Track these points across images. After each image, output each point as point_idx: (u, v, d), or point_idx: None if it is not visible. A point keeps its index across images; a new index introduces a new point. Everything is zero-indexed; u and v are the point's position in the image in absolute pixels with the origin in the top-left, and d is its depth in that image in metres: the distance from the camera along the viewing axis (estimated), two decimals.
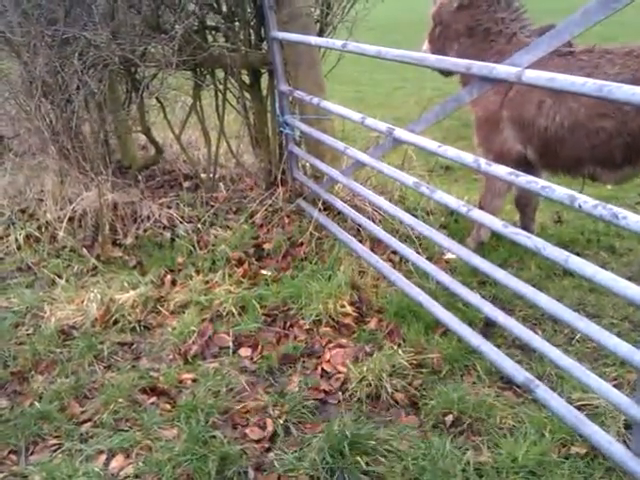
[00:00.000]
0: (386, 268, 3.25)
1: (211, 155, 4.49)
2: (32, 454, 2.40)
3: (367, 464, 2.21)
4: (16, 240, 4.05)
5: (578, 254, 3.82)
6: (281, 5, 3.76)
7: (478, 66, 2.39)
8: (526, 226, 3.75)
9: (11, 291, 3.58)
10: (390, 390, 2.56)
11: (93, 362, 2.90)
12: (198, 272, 3.54)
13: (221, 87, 4.30)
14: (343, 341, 2.92)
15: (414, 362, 2.71)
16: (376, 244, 3.57)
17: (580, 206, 1.94)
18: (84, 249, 3.88)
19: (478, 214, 2.52)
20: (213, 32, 4.22)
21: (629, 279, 1.87)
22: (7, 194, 4.56)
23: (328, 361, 2.77)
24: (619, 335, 2.01)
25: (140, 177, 4.48)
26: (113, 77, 4.47)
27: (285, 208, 4.01)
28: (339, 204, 3.70)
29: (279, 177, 4.20)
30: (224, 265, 3.54)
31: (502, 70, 2.27)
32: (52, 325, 3.15)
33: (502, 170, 2.30)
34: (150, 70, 4.39)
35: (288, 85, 3.93)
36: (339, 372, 2.70)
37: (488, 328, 2.92)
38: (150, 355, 2.97)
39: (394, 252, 3.45)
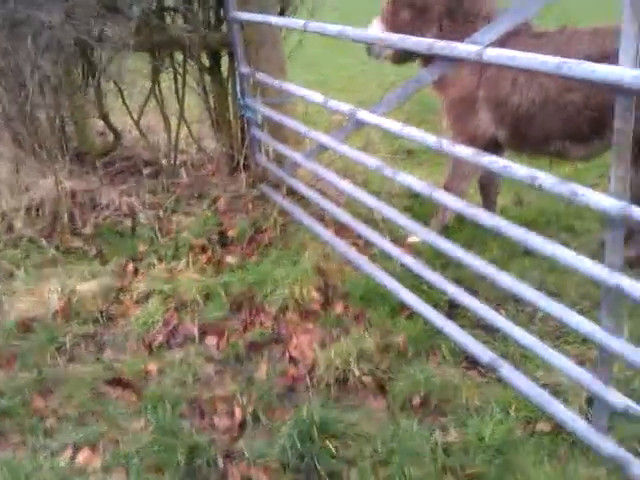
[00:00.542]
0: (351, 252, 3.25)
1: (171, 140, 4.40)
2: None
3: (336, 448, 2.22)
4: None
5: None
6: None
7: (440, 45, 2.38)
8: (488, 208, 3.79)
9: None
10: (358, 374, 2.57)
11: (55, 355, 2.83)
12: (161, 260, 3.48)
13: (180, 70, 4.21)
14: (310, 326, 2.92)
15: (381, 345, 2.73)
16: (341, 228, 3.56)
17: (540, 185, 1.96)
18: (43, 239, 3.77)
19: (441, 196, 2.53)
20: (172, 13, 4.11)
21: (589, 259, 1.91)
22: None
23: (295, 347, 2.77)
24: (580, 313, 2.05)
25: (99, 164, 4.36)
26: (69, 60, 4.31)
27: (249, 193, 3.97)
28: (303, 188, 3.68)
29: (242, 162, 4.15)
30: (187, 253, 3.49)
31: (463, 49, 2.27)
32: (11, 318, 3.06)
33: (466, 151, 2.31)
34: (107, 53, 4.25)
35: (249, 67, 3.87)
36: (306, 358, 2.70)
37: (452, 309, 2.95)
38: (114, 346, 2.91)
39: (359, 236, 3.45)
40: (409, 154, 5.38)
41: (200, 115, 4.60)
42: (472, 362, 2.62)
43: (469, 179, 3.66)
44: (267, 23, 3.55)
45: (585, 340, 2.42)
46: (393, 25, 3.53)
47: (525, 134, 3.29)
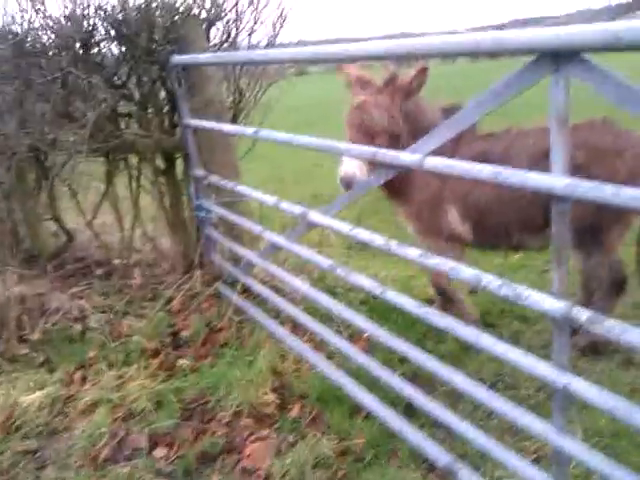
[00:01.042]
0: (307, 351, 3.20)
1: (125, 240, 4.38)
2: None
3: None
4: None
5: (492, 325, 3.91)
6: (193, 93, 3.82)
7: (382, 154, 2.47)
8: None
9: None
10: None
11: None
12: (111, 366, 3.36)
13: (135, 173, 4.26)
14: (264, 433, 2.81)
15: (338, 450, 2.64)
16: (297, 326, 3.53)
17: (485, 287, 2.00)
18: None
19: (392, 295, 2.54)
20: (126, 118, 4.21)
21: (543, 347, 1.92)
22: None
23: (249, 456, 2.65)
24: (535, 407, 2.04)
25: (50, 267, 4.30)
26: (22, 165, 4.34)
27: (204, 292, 3.93)
28: (258, 287, 3.67)
29: (197, 260, 4.14)
30: (139, 357, 3.39)
31: (406, 158, 2.36)
32: None
33: (412, 252, 2.35)
34: (61, 158, 4.30)
35: (203, 170, 3.94)
36: (260, 468, 2.58)
37: (410, 408, 2.89)
38: (56, 463, 2.74)
39: (315, 333, 3.41)
40: (365, 246, 5.47)
41: (155, 213, 4.62)
42: (431, 464, 2.54)
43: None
44: (219, 130, 3.65)
45: None
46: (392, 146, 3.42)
47: (487, 227, 3.39)
